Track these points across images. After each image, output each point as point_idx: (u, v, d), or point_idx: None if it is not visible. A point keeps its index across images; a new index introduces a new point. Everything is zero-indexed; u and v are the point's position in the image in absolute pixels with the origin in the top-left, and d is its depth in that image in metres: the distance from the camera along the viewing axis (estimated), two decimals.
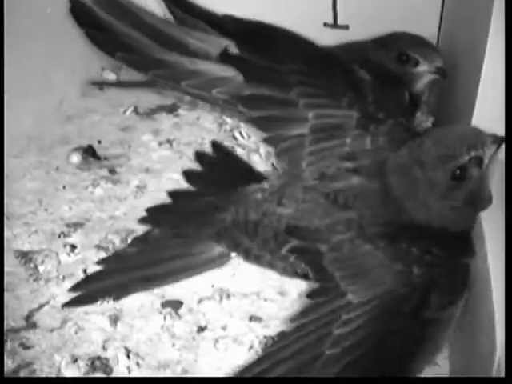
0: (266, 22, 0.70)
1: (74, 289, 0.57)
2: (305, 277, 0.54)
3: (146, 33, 0.60)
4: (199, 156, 0.61)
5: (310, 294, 0.50)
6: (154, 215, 0.60)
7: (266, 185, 0.57)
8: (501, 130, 0.51)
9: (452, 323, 0.46)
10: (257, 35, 0.60)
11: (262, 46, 0.58)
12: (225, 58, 0.58)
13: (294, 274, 0.55)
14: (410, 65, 0.69)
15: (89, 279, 0.58)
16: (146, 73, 0.59)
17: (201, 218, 0.58)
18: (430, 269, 0.47)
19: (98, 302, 0.57)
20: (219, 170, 0.61)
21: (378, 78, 0.69)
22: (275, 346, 0.47)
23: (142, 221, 0.60)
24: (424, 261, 0.48)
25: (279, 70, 0.57)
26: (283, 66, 0.57)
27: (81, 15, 0.60)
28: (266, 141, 0.56)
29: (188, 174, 0.61)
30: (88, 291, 0.57)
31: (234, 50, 0.59)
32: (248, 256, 0.57)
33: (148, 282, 0.58)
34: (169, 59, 0.59)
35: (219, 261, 0.59)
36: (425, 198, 0.50)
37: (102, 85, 0.84)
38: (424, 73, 0.69)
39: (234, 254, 0.58)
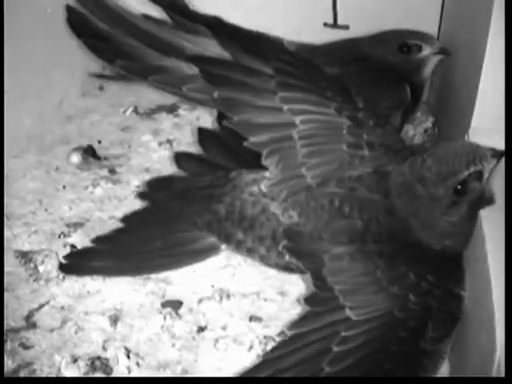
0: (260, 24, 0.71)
1: (67, 258, 0.59)
2: (300, 271, 0.54)
3: (142, 39, 0.60)
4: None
5: (309, 299, 0.50)
6: (152, 191, 0.61)
7: (262, 177, 0.56)
8: (501, 130, 0.51)
9: (444, 356, 0.47)
10: (240, 35, 0.60)
11: (247, 47, 0.58)
12: (195, 60, 0.57)
13: (289, 270, 0.56)
14: (414, 52, 0.69)
15: (81, 253, 0.60)
16: (146, 79, 0.59)
17: (193, 207, 0.58)
18: (426, 298, 0.48)
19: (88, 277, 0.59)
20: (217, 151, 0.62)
21: (378, 76, 0.70)
22: (275, 353, 0.48)
23: (140, 196, 0.62)
24: (420, 288, 0.48)
25: (262, 71, 0.56)
26: (267, 67, 0.56)
27: (78, 25, 0.60)
28: (252, 145, 0.55)
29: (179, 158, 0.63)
30: (80, 264, 0.59)
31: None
32: (239, 248, 0.56)
33: (136, 269, 0.60)
34: (167, 64, 0.60)
35: (209, 252, 0.59)
36: (426, 215, 0.51)
37: (102, 77, 0.83)
38: (429, 56, 0.70)
39: (224, 247, 0.58)
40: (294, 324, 0.49)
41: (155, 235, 0.58)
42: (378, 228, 0.52)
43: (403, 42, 0.69)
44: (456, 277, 0.50)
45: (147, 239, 0.59)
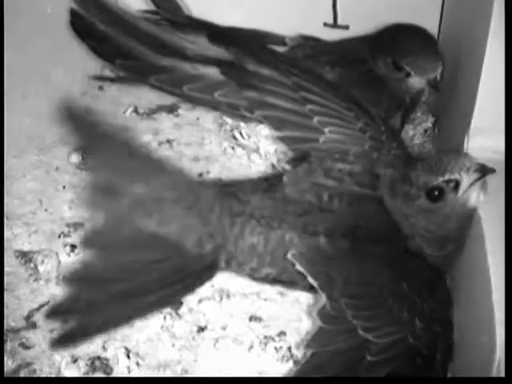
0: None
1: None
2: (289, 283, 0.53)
3: (142, 40, 0.60)
4: None
5: (321, 314, 0.48)
6: None
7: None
8: (501, 130, 0.51)
9: None
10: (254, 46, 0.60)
11: (260, 57, 0.58)
12: (224, 68, 0.58)
13: (276, 281, 0.54)
14: (403, 74, 0.68)
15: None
16: (147, 79, 0.59)
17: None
18: (431, 324, 0.48)
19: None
20: None
21: (378, 78, 0.69)
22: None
23: None
24: (424, 314, 0.48)
25: (285, 83, 0.57)
26: (287, 79, 0.57)
27: (81, 28, 0.60)
28: (280, 139, 0.56)
29: None
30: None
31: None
32: (229, 263, 0.52)
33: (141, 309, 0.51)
34: (169, 64, 0.60)
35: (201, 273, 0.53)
36: (400, 208, 0.52)
37: (102, 80, 0.84)
38: (415, 83, 0.68)
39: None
40: (310, 343, 0.47)
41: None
42: (368, 223, 0.52)
43: (397, 60, 0.67)
44: (448, 303, 0.50)
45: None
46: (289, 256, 0.50)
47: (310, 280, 0.49)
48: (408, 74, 0.67)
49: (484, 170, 0.50)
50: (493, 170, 0.50)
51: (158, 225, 0.50)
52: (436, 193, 0.51)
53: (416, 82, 0.68)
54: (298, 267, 0.49)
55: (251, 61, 0.57)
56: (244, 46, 0.59)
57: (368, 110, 0.58)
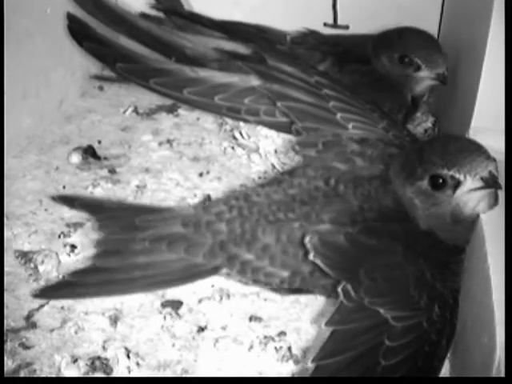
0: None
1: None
2: (305, 292, 0.53)
3: (142, 41, 0.60)
4: None
5: (343, 291, 0.47)
6: None
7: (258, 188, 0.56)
8: (501, 130, 0.51)
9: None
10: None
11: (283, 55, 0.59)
12: (245, 62, 0.58)
13: (289, 291, 0.54)
14: (412, 69, 0.68)
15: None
16: (147, 81, 0.59)
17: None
18: (445, 309, 0.48)
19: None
20: None
21: (380, 79, 0.69)
22: (327, 359, 0.46)
23: None
24: (443, 300, 0.48)
25: (308, 80, 0.58)
26: (310, 77, 0.58)
27: (79, 32, 0.60)
28: (303, 129, 0.57)
29: None
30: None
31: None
32: (243, 271, 0.53)
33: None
34: (169, 67, 0.60)
35: (207, 274, 0.55)
36: (403, 182, 0.51)
37: (103, 79, 0.84)
38: (424, 78, 0.69)
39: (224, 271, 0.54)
40: (333, 320, 0.47)
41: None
42: (375, 204, 0.51)
43: (406, 54, 0.68)
44: (459, 285, 0.50)
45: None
46: (310, 257, 0.49)
47: (329, 272, 0.48)
48: (418, 68, 0.68)
49: (490, 184, 0.49)
50: (499, 187, 0.49)
51: None
52: (440, 181, 0.49)
53: (426, 75, 0.68)
54: (320, 265, 0.49)
55: (270, 57, 0.58)
56: (261, 43, 0.60)
57: (389, 114, 0.59)
